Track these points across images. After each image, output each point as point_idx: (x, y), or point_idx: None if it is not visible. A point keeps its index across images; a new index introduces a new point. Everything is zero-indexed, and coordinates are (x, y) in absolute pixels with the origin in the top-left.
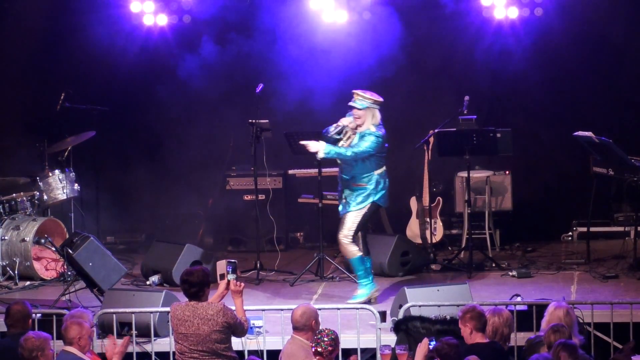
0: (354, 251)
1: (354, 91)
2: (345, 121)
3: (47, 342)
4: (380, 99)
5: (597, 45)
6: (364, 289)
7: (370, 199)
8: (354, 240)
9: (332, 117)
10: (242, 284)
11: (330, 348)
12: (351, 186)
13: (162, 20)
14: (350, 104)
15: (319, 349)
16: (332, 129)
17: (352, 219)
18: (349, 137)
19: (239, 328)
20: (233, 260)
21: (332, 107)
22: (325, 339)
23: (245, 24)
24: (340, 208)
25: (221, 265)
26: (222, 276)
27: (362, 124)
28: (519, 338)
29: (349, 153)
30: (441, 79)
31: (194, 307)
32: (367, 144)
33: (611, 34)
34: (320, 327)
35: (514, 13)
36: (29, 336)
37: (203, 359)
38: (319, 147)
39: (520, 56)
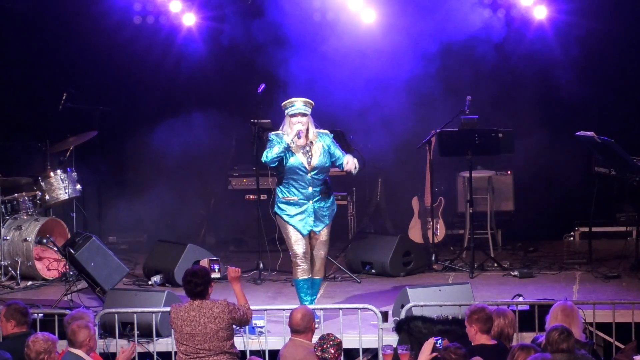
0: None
1: (299, 99)
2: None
3: (55, 345)
4: None
5: (598, 44)
6: None
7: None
8: None
9: (333, 116)
10: (239, 270)
11: (336, 355)
12: (324, 196)
13: (166, 20)
14: (298, 110)
15: (326, 355)
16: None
17: (329, 231)
18: (306, 149)
19: (243, 319)
20: (215, 258)
21: (334, 107)
22: (331, 344)
23: (247, 22)
24: (313, 227)
25: (204, 264)
26: None
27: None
28: (520, 338)
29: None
30: (445, 79)
31: (199, 306)
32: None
33: (612, 32)
34: (324, 334)
35: (522, 14)
36: (37, 338)
37: (209, 357)
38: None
39: (522, 56)
